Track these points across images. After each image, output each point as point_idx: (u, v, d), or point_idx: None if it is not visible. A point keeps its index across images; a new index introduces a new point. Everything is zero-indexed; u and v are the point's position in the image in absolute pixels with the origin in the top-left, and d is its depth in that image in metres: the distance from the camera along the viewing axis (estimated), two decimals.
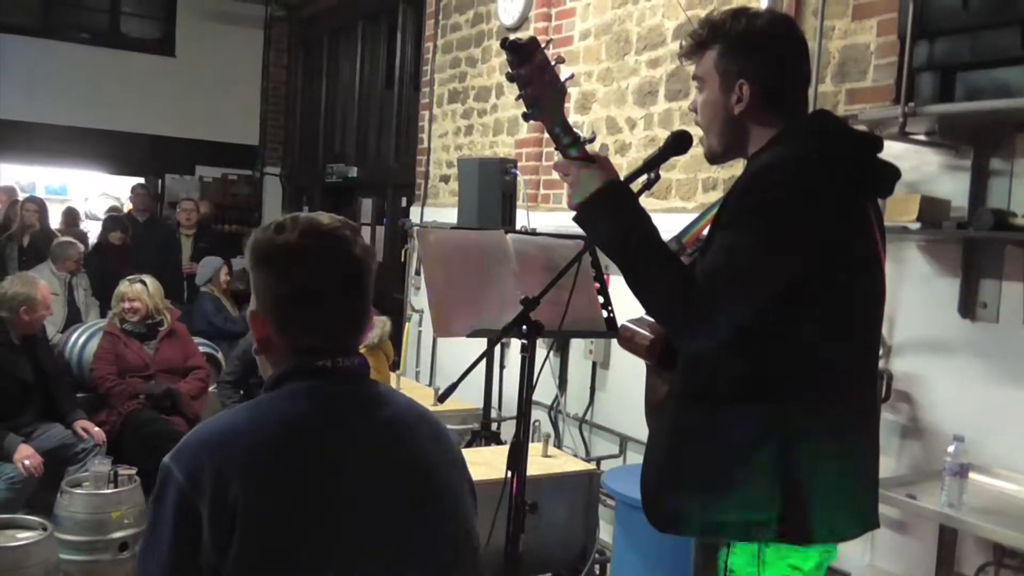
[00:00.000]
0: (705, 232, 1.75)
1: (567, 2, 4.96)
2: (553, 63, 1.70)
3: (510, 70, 1.69)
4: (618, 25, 4.57)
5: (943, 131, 2.91)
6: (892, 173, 1.80)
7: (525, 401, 2.12)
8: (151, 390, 4.63)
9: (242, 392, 4.57)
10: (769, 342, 1.60)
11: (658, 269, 1.61)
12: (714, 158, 1.84)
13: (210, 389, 4.93)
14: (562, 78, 1.71)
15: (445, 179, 6.12)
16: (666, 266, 1.61)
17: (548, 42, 1.73)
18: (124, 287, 4.85)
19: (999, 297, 2.86)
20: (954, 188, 2.97)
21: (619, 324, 2.07)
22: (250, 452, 1.24)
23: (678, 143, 1.91)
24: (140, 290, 4.83)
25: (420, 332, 6.11)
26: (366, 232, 7.88)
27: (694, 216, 2.00)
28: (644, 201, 1.94)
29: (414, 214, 6.37)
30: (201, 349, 5.24)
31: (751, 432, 1.61)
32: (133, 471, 3.83)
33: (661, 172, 1.93)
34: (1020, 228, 2.66)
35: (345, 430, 1.32)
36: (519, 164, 4.65)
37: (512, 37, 1.70)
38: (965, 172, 2.95)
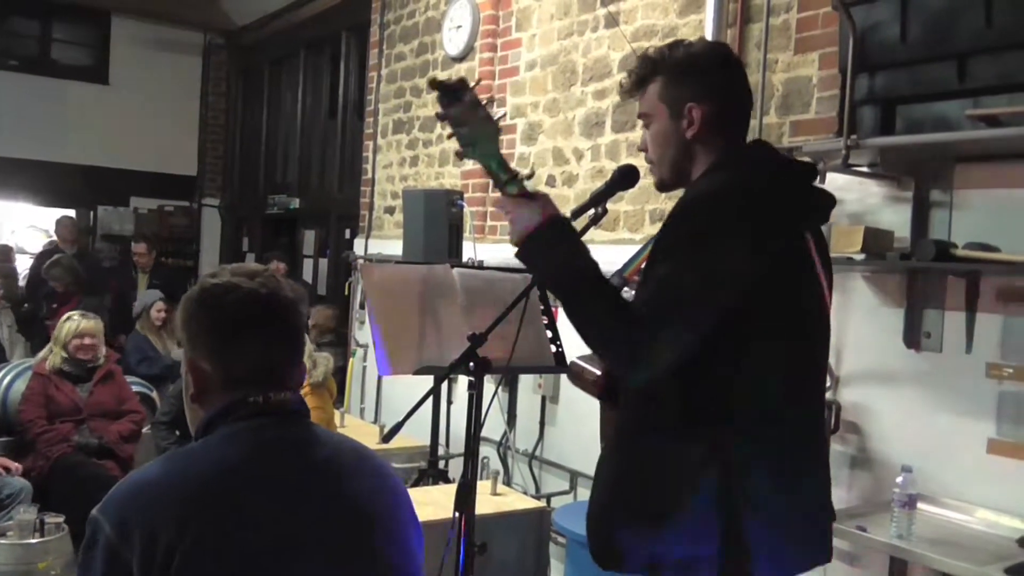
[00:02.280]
0: (645, 265, 1.78)
1: (513, 32, 5.03)
2: (484, 102, 1.72)
3: (440, 110, 1.71)
4: (564, 56, 4.64)
5: (885, 163, 3.01)
6: (827, 201, 1.85)
7: (473, 439, 2.12)
8: (82, 441, 4.48)
9: (178, 433, 4.47)
10: (709, 374, 1.62)
11: (596, 303, 1.62)
12: (664, 187, 1.88)
13: (144, 430, 4.82)
14: (494, 116, 1.74)
15: (390, 210, 6.12)
16: (604, 300, 1.63)
17: (478, 81, 1.75)
18: (77, 323, 4.64)
19: (942, 327, 2.95)
20: (897, 219, 3.06)
21: (569, 360, 2.09)
22: (182, 502, 1.22)
23: (625, 177, 1.95)
24: (95, 327, 4.68)
25: (365, 368, 6.06)
26: (308, 264, 7.83)
27: (640, 248, 2.03)
28: (592, 233, 1.97)
29: (358, 246, 6.34)
30: (135, 389, 5.13)
31: (692, 465, 1.62)
32: (61, 519, 3.72)
33: (608, 205, 1.97)
34: (961, 259, 2.75)
35: (280, 474, 1.31)
36: (465, 195, 4.67)
37: (439, 77, 1.72)
38: (907, 203, 3.04)
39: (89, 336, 4.63)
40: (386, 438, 2.07)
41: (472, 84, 1.71)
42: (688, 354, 1.59)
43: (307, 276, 7.60)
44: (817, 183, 1.86)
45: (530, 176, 1.83)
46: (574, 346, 1.92)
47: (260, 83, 8.99)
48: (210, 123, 9.55)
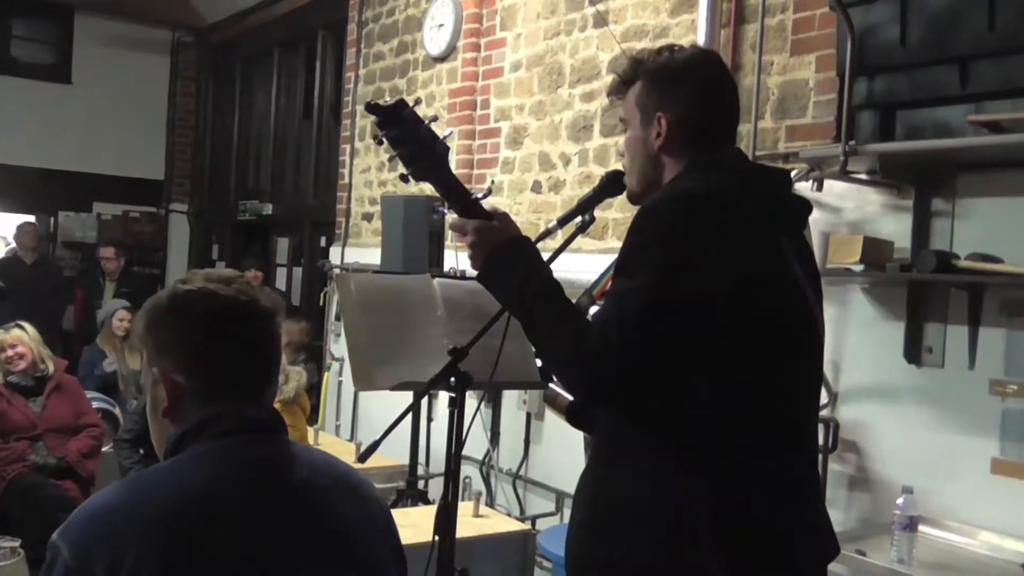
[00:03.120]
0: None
1: (497, 32, 5.04)
2: (427, 121, 1.71)
3: (377, 132, 1.70)
4: (551, 57, 4.65)
5: (884, 170, 3.03)
6: (803, 207, 1.82)
7: (454, 459, 2.11)
8: (39, 460, 4.44)
9: (142, 451, 4.43)
10: (681, 396, 1.58)
11: (553, 322, 1.61)
12: (634, 199, 1.85)
13: (105, 448, 4.77)
14: (439, 136, 1.73)
15: (368, 217, 6.11)
16: (561, 319, 1.61)
17: (417, 100, 1.74)
18: (2, 335, 4.67)
19: (944, 341, 2.97)
20: (897, 228, 3.09)
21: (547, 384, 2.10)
22: (148, 528, 1.20)
23: (612, 183, 1.95)
24: (20, 335, 4.66)
25: (340, 382, 6.04)
26: (282, 273, 7.80)
27: (609, 265, 2.03)
28: (579, 242, 1.97)
29: (334, 255, 6.33)
30: (95, 405, 5.08)
31: (672, 499, 1.58)
32: (16, 543, 3.67)
33: (596, 213, 1.97)
34: (963, 271, 2.77)
35: (255, 496, 1.29)
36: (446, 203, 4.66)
37: (375, 101, 1.71)
38: (908, 212, 3.06)
39: (12, 346, 4.62)
40: (362, 457, 2.05)
41: (412, 102, 1.70)
42: (652, 376, 1.55)
43: (280, 285, 7.58)
44: (816, 193, 1.85)
45: (487, 194, 1.82)
46: None
47: (231, 83, 8.97)
48: (178, 125, 9.50)
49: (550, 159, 4.64)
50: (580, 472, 1.82)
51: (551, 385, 2.01)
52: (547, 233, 1.92)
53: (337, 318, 6.12)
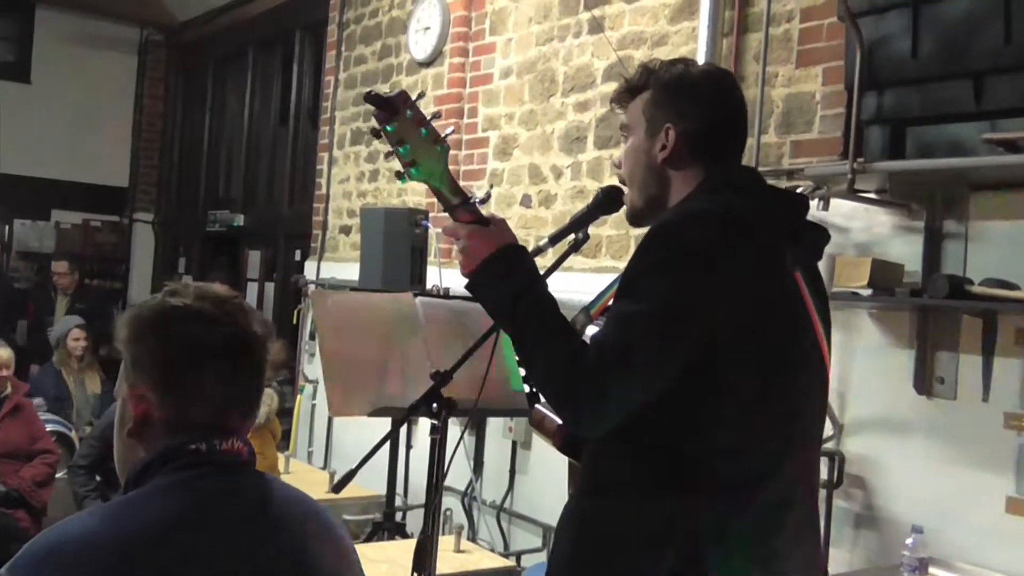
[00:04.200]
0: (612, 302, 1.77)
1: (486, 36, 5.07)
2: (429, 117, 1.72)
3: (376, 126, 1.70)
4: (543, 63, 4.68)
5: (894, 189, 3.05)
6: (820, 235, 1.84)
7: (435, 489, 2.10)
8: None
9: (99, 478, 4.41)
10: (676, 427, 1.59)
11: (545, 342, 1.61)
12: (636, 215, 1.86)
13: (59, 475, 4.74)
14: (441, 133, 1.74)
15: (346, 230, 6.11)
16: (555, 338, 1.61)
17: (421, 94, 1.75)
18: None
19: (956, 371, 2.98)
20: (907, 251, 3.11)
21: (535, 406, 2.09)
22: (110, 566, 1.19)
23: (608, 199, 1.95)
24: (8, 356, 4.65)
25: (314, 406, 6.02)
26: (253, 289, 7.78)
27: (610, 283, 2.03)
28: (571, 260, 1.98)
29: (309, 270, 6.32)
30: (50, 427, 5.05)
31: (656, 532, 1.58)
32: None
33: (590, 230, 1.98)
34: (977, 296, 2.78)
35: (222, 534, 1.28)
36: (431, 215, 4.67)
37: (375, 91, 1.72)
38: (918, 234, 3.09)
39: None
40: (337, 487, 2.04)
41: (415, 96, 1.72)
42: (649, 404, 1.56)
43: (251, 302, 7.54)
44: (810, 216, 1.86)
45: (486, 198, 1.83)
46: None
47: (203, 85, 8.96)
48: (145, 129, 9.48)
49: (541, 172, 4.65)
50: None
51: (537, 406, 2.01)
52: (538, 251, 1.92)
53: (311, 337, 6.09)
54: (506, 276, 1.69)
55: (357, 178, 6.03)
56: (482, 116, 5.02)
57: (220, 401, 1.36)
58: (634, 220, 1.88)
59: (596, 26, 4.36)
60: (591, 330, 1.81)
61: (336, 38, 6.31)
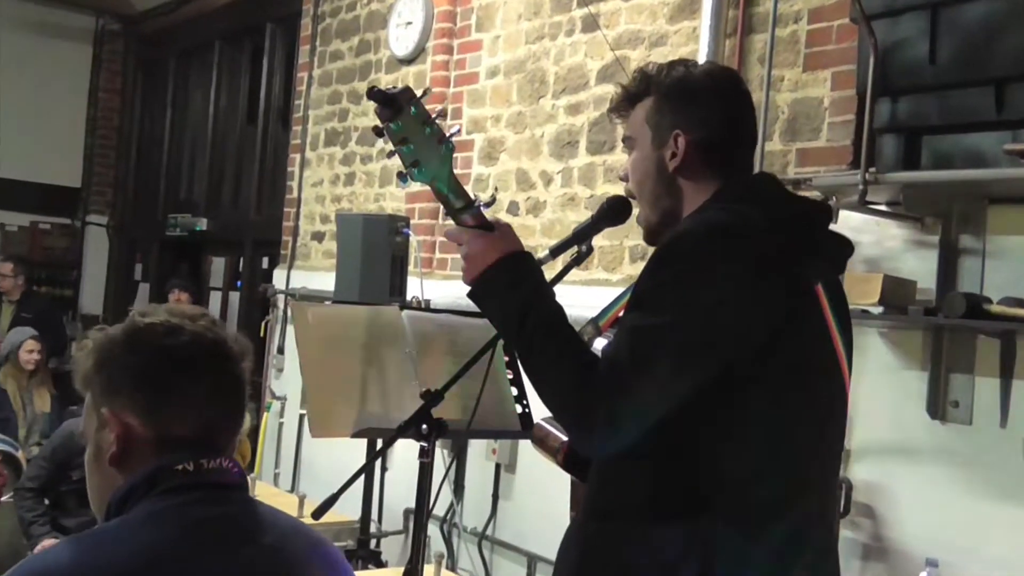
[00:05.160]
0: (623, 314, 1.78)
1: (472, 33, 5.07)
2: (434, 115, 1.72)
3: (379, 123, 1.71)
4: (533, 63, 4.68)
5: (908, 202, 3.07)
6: (843, 247, 1.86)
7: (425, 516, 2.09)
8: None
9: (47, 502, 4.37)
10: (690, 448, 1.61)
11: (554, 356, 1.62)
12: (652, 232, 1.87)
13: (4, 498, 4.68)
14: (446, 132, 1.74)
15: (319, 237, 6.09)
16: (564, 353, 1.62)
17: (425, 91, 1.75)
18: None
19: (972, 395, 2.99)
20: (920, 267, 3.12)
21: (535, 421, 2.09)
22: None
23: (614, 210, 1.96)
24: None
25: (281, 424, 5.98)
26: (216, 298, 7.74)
27: (618, 292, 2.04)
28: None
29: (278, 278, 6.29)
30: None
31: (667, 560, 1.59)
32: None
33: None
34: (995, 316, 2.80)
35: (217, 566, 1.27)
36: (412, 222, 4.66)
37: (379, 86, 1.72)
38: (933, 249, 3.10)
39: None
40: (317, 514, 2.03)
41: (420, 93, 1.71)
42: (662, 423, 1.57)
43: (215, 312, 7.50)
44: (832, 226, 1.88)
45: (490, 203, 1.83)
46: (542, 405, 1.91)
47: (164, 80, 8.92)
48: (100, 125, 9.43)
49: (529, 178, 4.65)
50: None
51: (540, 422, 2.01)
52: (539, 264, 1.92)
53: (280, 351, 6.07)
54: (513, 286, 1.69)
55: (331, 181, 6.01)
56: (467, 117, 5.02)
57: (205, 413, 1.36)
58: (651, 237, 1.88)
59: (590, 24, 4.37)
60: (600, 343, 1.81)
61: (310, 32, 6.29)
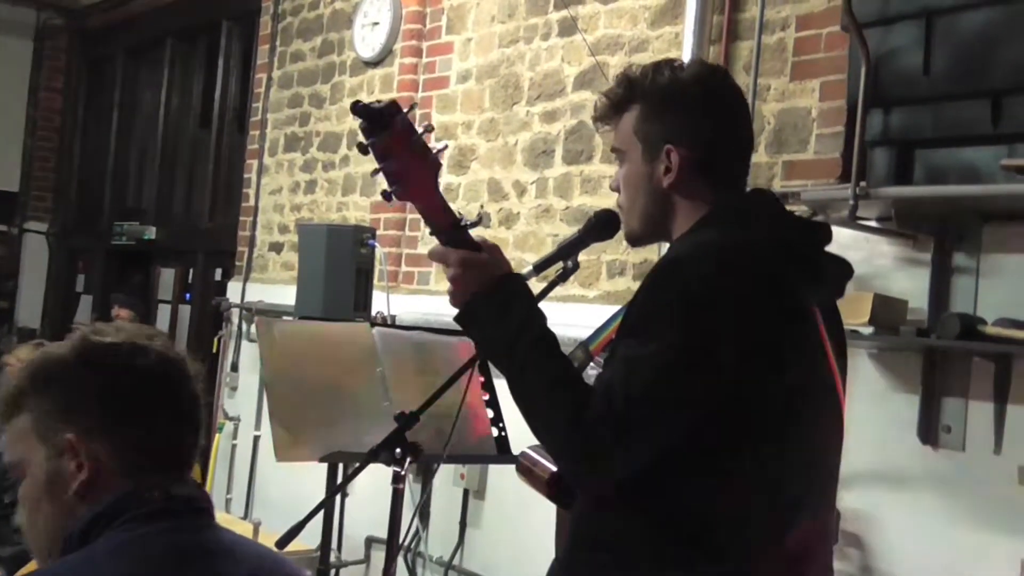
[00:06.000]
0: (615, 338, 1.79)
1: (443, 35, 5.08)
2: (421, 131, 1.73)
3: (363, 139, 1.71)
4: (506, 67, 4.69)
5: (900, 218, 3.09)
6: (843, 272, 1.89)
7: (397, 548, 2.09)
8: None
9: None
10: (683, 482, 1.62)
11: (547, 386, 1.63)
12: (635, 238, 1.90)
13: None
14: (433, 149, 1.75)
15: (277, 248, 6.06)
16: (557, 383, 1.63)
17: (412, 106, 1.76)
18: None
19: (965, 420, 3.02)
20: (912, 286, 3.15)
21: (519, 450, 2.10)
22: None
23: (602, 224, 1.97)
24: None
25: (234, 446, 5.94)
26: (165, 311, 7.68)
27: (601, 310, 2.05)
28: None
29: (233, 291, 6.25)
30: None
31: None
32: None
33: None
34: (990, 338, 2.83)
35: None
36: (377, 233, 4.65)
37: (364, 101, 1.72)
38: (925, 267, 3.13)
39: None
40: (281, 543, 2.02)
41: (406, 109, 1.71)
42: (657, 456, 1.59)
43: (163, 326, 7.44)
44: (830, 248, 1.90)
45: (478, 221, 1.84)
46: (522, 431, 1.91)
47: (110, 79, 8.85)
48: (41, 126, 9.34)
49: (502, 188, 4.65)
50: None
51: (527, 451, 2.01)
52: None
53: (234, 368, 6.03)
54: (503, 313, 1.70)
55: (291, 189, 5.99)
56: (436, 123, 5.01)
57: (173, 435, 1.38)
58: (633, 242, 1.92)
59: (568, 28, 4.39)
60: (592, 370, 1.82)
61: (270, 31, 6.28)
